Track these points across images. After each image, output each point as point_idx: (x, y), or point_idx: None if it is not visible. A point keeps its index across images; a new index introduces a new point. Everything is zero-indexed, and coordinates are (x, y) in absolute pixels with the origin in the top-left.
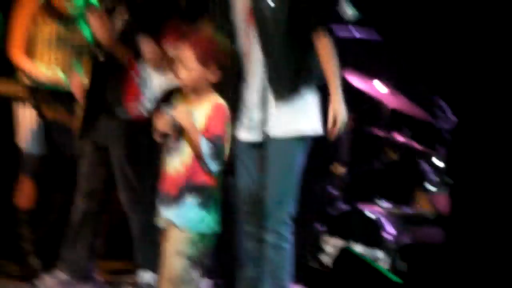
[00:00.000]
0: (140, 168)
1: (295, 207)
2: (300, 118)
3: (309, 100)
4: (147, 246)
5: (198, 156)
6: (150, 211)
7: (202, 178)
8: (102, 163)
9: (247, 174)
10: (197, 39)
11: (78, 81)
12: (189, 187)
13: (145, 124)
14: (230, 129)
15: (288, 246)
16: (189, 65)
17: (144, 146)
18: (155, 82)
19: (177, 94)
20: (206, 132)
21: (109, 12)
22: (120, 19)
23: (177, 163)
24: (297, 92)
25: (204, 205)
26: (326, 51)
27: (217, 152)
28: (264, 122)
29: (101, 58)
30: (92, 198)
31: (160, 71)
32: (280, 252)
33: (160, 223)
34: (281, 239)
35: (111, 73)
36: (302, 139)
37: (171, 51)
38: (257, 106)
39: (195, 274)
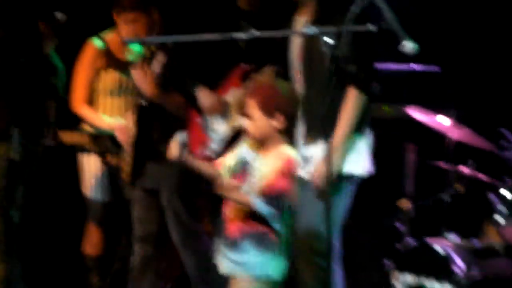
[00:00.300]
0: (192, 204)
1: (336, 242)
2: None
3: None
4: (205, 284)
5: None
6: (205, 248)
7: (262, 223)
8: (154, 206)
9: (303, 211)
10: (259, 87)
11: (124, 128)
12: (248, 232)
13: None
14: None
15: (332, 276)
16: (253, 115)
17: (195, 183)
18: (222, 125)
19: (244, 139)
20: (270, 186)
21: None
22: (166, 66)
23: (233, 206)
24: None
25: (265, 249)
26: (349, 104)
27: (277, 205)
28: (308, 159)
29: (144, 104)
30: (148, 242)
31: (222, 116)
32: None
33: (221, 267)
34: (325, 270)
35: (160, 119)
36: (346, 178)
37: (231, 97)
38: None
39: None
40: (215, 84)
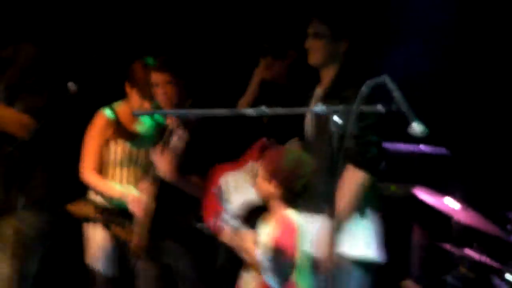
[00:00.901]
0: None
1: None
2: (346, 241)
3: (361, 225)
4: None
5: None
6: None
7: None
8: (162, 278)
9: None
10: (269, 152)
11: (138, 199)
12: None
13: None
14: (304, 242)
15: None
16: (258, 180)
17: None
18: (237, 197)
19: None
20: (271, 249)
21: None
22: (187, 142)
23: (249, 272)
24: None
25: None
26: (347, 185)
27: (279, 268)
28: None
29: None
30: None
31: (242, 187)
32: None
33: None
34: None
35: (176, 193)
36: (360, 264)
37: (249, 171)
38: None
39: None
40: (235, 158)
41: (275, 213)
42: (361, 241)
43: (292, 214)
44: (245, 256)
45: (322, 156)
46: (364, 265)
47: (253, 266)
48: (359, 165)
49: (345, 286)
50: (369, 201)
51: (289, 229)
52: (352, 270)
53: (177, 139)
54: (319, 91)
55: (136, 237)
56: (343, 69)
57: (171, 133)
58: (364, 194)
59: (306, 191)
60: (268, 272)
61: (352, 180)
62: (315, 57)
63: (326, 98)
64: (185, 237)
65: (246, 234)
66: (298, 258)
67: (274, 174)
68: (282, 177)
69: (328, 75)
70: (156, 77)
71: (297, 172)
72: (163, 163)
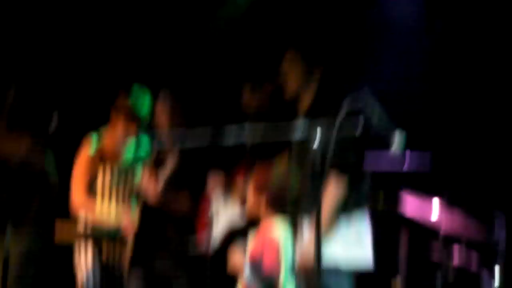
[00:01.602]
0: None
1: None
2: (337, 243)
3: (351, 227)
4: None
5: None
6: None
7: None
8: None
9: None
10: (257, 169)
11: (129, 221)
12: None
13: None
14: (288, 252)
15: None
16: (248, 194)
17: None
18: (222, 218)
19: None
20: (251, 262)
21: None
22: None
23: None
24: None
25: None
26: (330, 191)
27: (260, 282)
28: None
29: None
30: None
31: (229, 206)
32: None
33: None
34: None
35: (172, 220)
36: (349, 273)
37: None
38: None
39: None
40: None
41: (262, 227)
42: (352, 242)
43: (277, 227)
44: (233, 272)
45: (305, 173)
46: (354, 266)
47: (241, 282)
48: (340, 170)
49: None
50: (358, 203)
51: (269, 242)
52: (342, 271)
53: (169, 160)
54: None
55: (126, 258)
56: (320, 92)
57: (160, 156)
58: (353, 196)
59: (295, 202)
60: (250, 286)
61: (335, 187)
62: (291, 89)
63: (309, 114)
64: (179, 260)
65: (235, 251)
66: (282, 270)
67: (264, 187)
68: (272, 189)
69: (306, 100)
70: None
71: (285, 184)
72: (149, 186)
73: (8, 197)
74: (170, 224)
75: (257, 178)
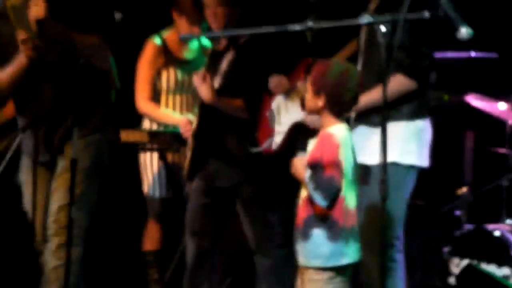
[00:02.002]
0: (267, 203)
1: (401, 229)
2: (398, 146)
3: (412, 130)
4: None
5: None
6: (281, 247)
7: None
8: (210, 202)
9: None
10: (314, 68)
11: (187, 122)
12: (312, 219)
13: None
14: (348, 156)
15: (395, 266)
16: (307, 93)
17: (270, 180)
18: (286, 118)
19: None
20: (309, 163)
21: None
22: (233, 63)
23: (303, 193)
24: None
25: (332, 237)
26: (391, 84)
27: (321, 184)
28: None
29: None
30: (203, 237)
31: (291, 108)
32: (389, 273)
33: (298, 259)
34: (389, 260)
35: (220, 114)
36: (408, 168)
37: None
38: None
39: None
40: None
41: (322, 129)
42: (413, 149)
43: (337, 129)
44: (296, 177)
45: (371, 68)
46: (416, 172)
47: (304, 186)
48: (410, 75)
49: (399, 192)
50: (420, 110)
51: (329, 143)
52: (404, 176)
53: (227, 62)
54: (371, 6)
55: (188, 161)
56: None
57: (217, 56)
58: (415, 103)
59: (354, 103)
60: (311, 189)
61: (397, 84)
62: None
63: (378, 10)
64: (241, 162)
65: (297, 157)
66: (344, 171)
67: (322, 87)
68: (330, 89)
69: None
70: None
71: (345, 84)
72: (204, 87)
73: (74, 100)
74: (228, 123)
75: (316, 78)
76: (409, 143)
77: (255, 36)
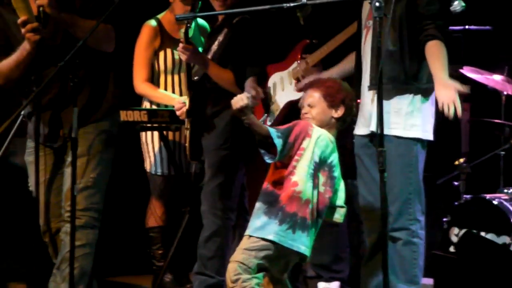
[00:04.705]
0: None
1: (423, 203)
2: (407, 119)
3: (418, 103)
4: None
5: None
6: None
7: (275, 188)
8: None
9: (366, 172)
10: (324, 82)
11: (180, 103)
12: (262, 193)
13: None
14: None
15: (420, 241)
16: (315, 105)
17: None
18: (280, 96)
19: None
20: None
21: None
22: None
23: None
24: (399, 93)
25: (269, 212)
26: (433, 50)
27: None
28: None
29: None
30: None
31: (287, 88)
32: (413, 248)
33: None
34: (413, 236)
35: (213, 95)
36: (421, 141)
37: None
38: (369, 103)
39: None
40: (278, 58)
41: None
42: (418, 122)
43: (324, 131)
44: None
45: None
46: (420, 144)
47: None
48: (445, 42)
49: (402, 164)
50: (425, 83)
51: (304, 127)
52: (410, 148)
53: (217, 43)
54: None
55: (187, 141)
56: None
57: (212, 34)
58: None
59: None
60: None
61: (443, 49)
62: None
63: None
64: (236, 134)
65: None
66: (304, 163)
67: (341, 100)
68: (349, 101)
69: None
70: None
71: (352, 93)
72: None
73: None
74: (220, 102)
75: (335, 92)
76: (412, 117)
77: (247, 15)
